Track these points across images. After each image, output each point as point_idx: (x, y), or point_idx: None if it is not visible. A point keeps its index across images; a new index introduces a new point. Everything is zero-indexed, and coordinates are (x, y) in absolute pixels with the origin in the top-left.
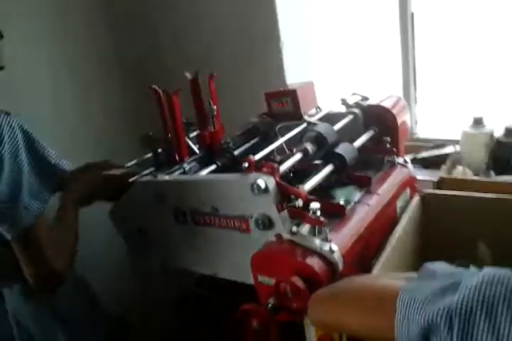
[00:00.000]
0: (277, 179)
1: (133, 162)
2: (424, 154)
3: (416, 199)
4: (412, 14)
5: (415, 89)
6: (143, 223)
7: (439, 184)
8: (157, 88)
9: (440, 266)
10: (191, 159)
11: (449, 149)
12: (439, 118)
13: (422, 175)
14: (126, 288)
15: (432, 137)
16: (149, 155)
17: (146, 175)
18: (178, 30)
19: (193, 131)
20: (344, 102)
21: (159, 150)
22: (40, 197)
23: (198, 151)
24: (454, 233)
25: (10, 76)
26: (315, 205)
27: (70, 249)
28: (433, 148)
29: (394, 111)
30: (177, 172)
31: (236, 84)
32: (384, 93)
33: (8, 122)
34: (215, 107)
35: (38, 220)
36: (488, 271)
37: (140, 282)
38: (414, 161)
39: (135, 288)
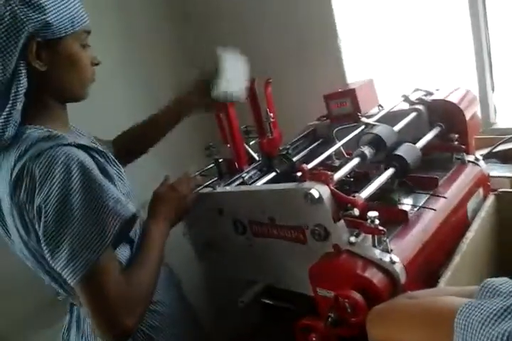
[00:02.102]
0: (332, 187)
1: (197, 172)
2: (502, 147)
3: (490, 199)
4: None
5: (492, 76)
6: (209, 236)
7: None
8: None
9: (502, 282)
10: (251, 167)
11: None
12: None
13: (498, 171)
14: (196, 294)
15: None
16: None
17: (206, 186)
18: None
19: (253, 138)
20: (406, 99)
21: (220, 160)
22: (92, 247)
23: (258, 158)
24: None
25: None
26: (372, 214)
27: (144, 298)
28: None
29: (461, 106)
30: (236, 182)
31: (296, 87)
32: (451, 86)
33: (66, 155)
34: (272, 114)
35: (104, 263)
36: None
37: (209, 289)
38: (490, 155)
39: (205, 295)
